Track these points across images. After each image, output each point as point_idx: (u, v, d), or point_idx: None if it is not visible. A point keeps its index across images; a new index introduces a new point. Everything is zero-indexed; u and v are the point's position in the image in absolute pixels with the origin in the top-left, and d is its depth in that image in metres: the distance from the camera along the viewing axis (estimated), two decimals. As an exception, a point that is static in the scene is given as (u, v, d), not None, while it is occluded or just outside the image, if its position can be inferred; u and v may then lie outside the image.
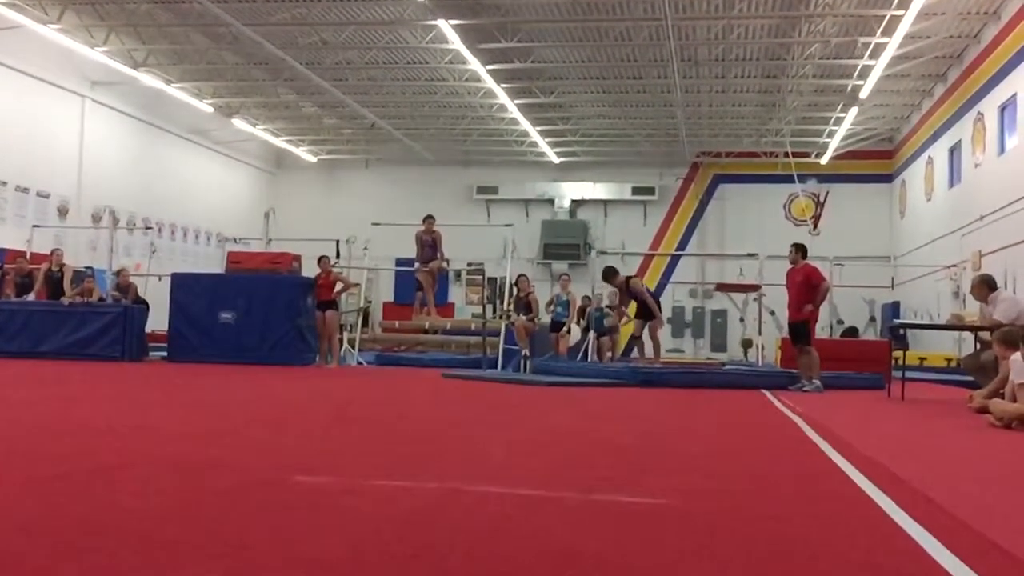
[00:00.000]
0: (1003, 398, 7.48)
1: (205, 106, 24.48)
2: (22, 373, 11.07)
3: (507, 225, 19.38)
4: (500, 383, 11.95)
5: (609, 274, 14.67)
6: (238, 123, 26.23)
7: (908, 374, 11.08)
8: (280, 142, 29.33)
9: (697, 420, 7.89)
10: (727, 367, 16.69)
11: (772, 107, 24.60)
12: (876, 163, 28.05)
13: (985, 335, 9.69)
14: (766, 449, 5.62)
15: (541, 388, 11.11)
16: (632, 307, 15.92)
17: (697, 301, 29.27)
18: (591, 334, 16.80)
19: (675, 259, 28.78)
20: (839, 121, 24.69)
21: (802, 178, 27.31)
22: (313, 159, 30.98)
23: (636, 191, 29.51)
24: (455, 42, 18.70)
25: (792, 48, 19.89)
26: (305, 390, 9.97)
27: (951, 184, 21.79)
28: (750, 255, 18.91)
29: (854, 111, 23.18)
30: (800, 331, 11.72)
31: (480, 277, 23.16)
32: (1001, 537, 2.83)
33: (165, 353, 15.38)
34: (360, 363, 16.25)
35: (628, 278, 15.19)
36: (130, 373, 11.92)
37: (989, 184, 18.48)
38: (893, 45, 17.90)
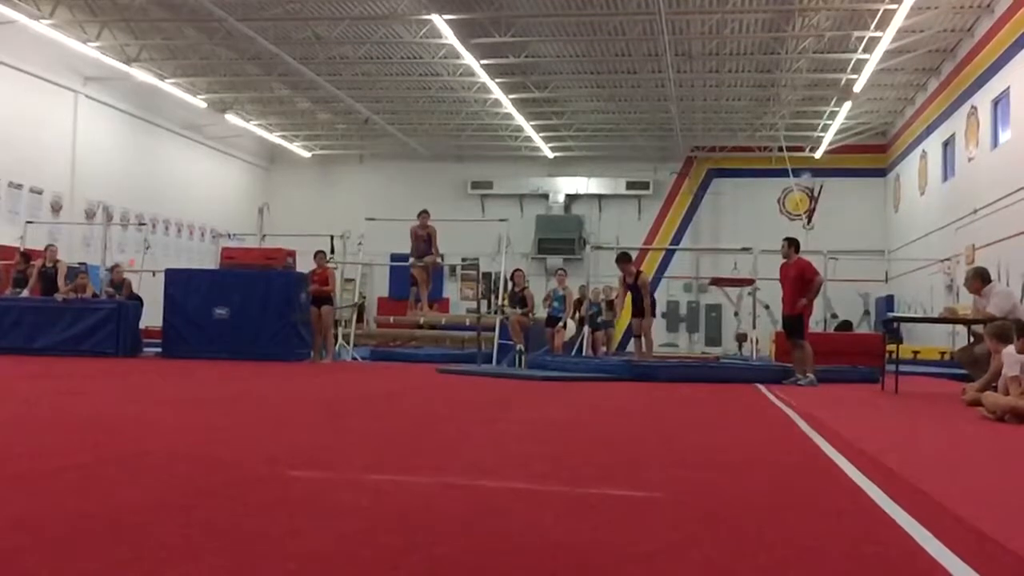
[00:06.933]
0: (996, 391, 7.51)
1: (198, 101, 24.44)
2: (16, 369, 11.05)
3: (502, 220, 19.37)
4: (495, 378, 11.96)
5: (624, 258, 14.50)
6: (231, 118, 26.18)
7: (902, 367, 11.10)
8: (274, 137, 29.30)
9: (690, 414, 7.90)
10: (721, 361, 16.71)
11: (766, 101, 24.63)
12: (870, 157, 28.12)
13: (978, 328, 9.71)
14: (759, 443, 5.63)
15: (536, 383, 11.11)
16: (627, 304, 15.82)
17: (692, 295, 29.32)
18: (586, 328, 16.81)
19: (670, 253, 28.82)
20: (833, 115, 24.74)
21: (796, 172, 27.35)
22: (307, 154, 30.95)
23: (630, 185, 29.55)
24: (449, 37, 18.70)
25: (786, 42, 19.91)
26: (299, 385, 9.97)
27: (945, 178, 21.84)
28: (744, 249, 18.91)
29: (848, 105, 23.21)
30: (794, 325, 11.73)
31: (475, 272, 23.14)
32: (993, 528, 2.84)
33: (159, 349, 15.36)
34: (355, 358, 16.24)
35: (639, 270, 15.07)
36: (124, 369, 11.90)
37: (983, 178, 18.53)
38: (887, 39, 17.93)
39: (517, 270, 16.86)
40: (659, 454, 4.91)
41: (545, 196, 30.18)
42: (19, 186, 20.31)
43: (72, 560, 2.25)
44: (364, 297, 23.66)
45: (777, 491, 3.70)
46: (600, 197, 30.08)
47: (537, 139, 27.69)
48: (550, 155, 29.34)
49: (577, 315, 17.63)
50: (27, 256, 16.39)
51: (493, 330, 15.92)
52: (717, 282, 20.25)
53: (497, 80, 22.05)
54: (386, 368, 14.42)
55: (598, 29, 19.54)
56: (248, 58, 21.95)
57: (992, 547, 2.65)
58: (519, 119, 25.44)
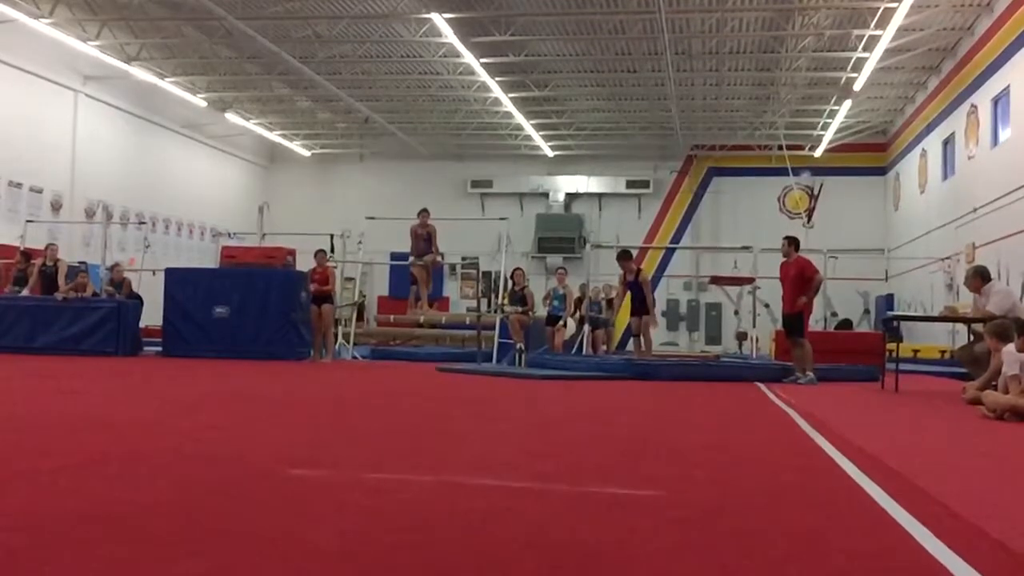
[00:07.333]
0: (996, 389, 7.51)
1: (198, 100, 24.44)
2: (16, 368, 11.04)
3: (502, 219, 19.38)
4: (495, 377, 11.96)
5: (625, 256, 14.48)
6: (231, 117, 26.18)
7: (902, 366, 11.11)
8: (274, 136, 29.30)
9: (691, 412, 7.90)
10: (721, 360, 16.70)
11: (766, 100, 24.62)
12: (870, 156, 28.11)
13: (978, 327, 9.71)
14: (759, 441, 5.64)
15: (536, 381, 11.11)
16: (626, 302, 15.81)
17: (692, 294, 29.32)
18: (586, 327, 16.80)
19: (670, 252, 28.82)
20: (833, 114, 24.73)
21: (796, 171, 27.34)
22: (307, 153, 30.95)
23: (630, 184, 29.54)
24: (448, 36, 18.69)
25: (786, 41, 19.91)
26: (299, 384, 9.97)
27: (945, 176, 21.84)
28: (744, 248, 18.93)
29: (848, 104, 23.20)
30: (794, 324, 11.74)
31: (475, 271, 23.14)
32: (992, 527, 2.84)
33: (159, 348, 15.36)
34: (355, 357, 16.24)
35: (640, 268, 15.09)
36: (124, 368, 11.90)
37: (983, 176, 18.53)
38: (887, 37, 17.92)
39: (517, 269, 16.84)
40: (660, 453, 4.91)
41: (545, 195, 30.18)
42: (19, 185, 20.30)
43: (72, 560, 2.25)
44: (364, 296, 23.65)
45: (777, 489, 3.70)
46: (600, 196, 30.08)
47: (537, 138, 27.69)
48: (550, 154, 29.33)
49: (577, 314, 17.62)
50: (27, 255, 16.40)
51: (493, 329, 15.92)
52: (717, 281, 20.24)
53: (497, 79, 22.05)
54: (386, 367, 14.42)
55: (598, 28, 19.53)
56: (248, 57, 21.94)
57: (992, 545, 2.65)
58: (519, 118, 25.44)
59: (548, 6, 18.19)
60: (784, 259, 11.99)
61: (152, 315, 16.89)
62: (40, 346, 14.69)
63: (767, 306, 18.35)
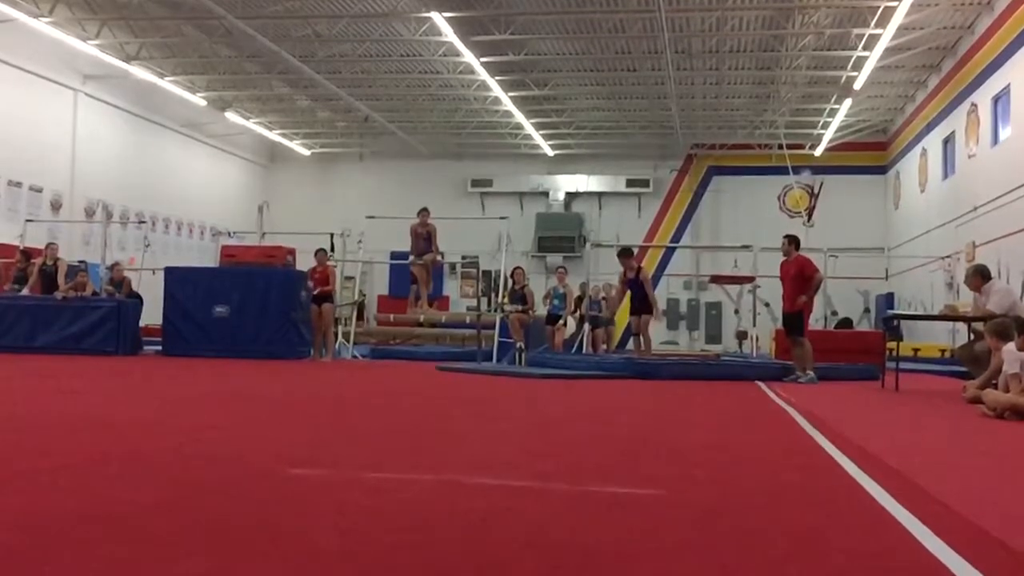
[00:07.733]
0: (996, 388, 7.51)
1: (198, 99, 24.43)
2: (16, 368, 11.04)
3: (502, 218, 19.38)
4: (495, 376, 11.96)
5: (626, 253, 14.50)
6: (231, 116, 26.17)
7: (902, 365, 11.12)
8: (274, 135, 29.29)
9: (691, 412, 7.90)
10: (722, 359, 16.69)
11: (766, 99, 24.62)
12: (870, 154, 28.10)
13: (978, 326, 9.71)
14: (760, 440, 5.63)
15: (536, 380, 11.12)
16: (626, 302, 15.79)
17: (692, 293, 29.31)
18: (586, 326, 16.81)
19: (670, 251, 28.80)
20: (833, 112, 24.73)
21: (796, 170, 27.33)
22: (307, 152, 30.94)
23: (630, 183, 29.53)
24: (448, 35, 18.69)
25: (786, 39, 19.91)
26: (299, 384, 9.97)
27: (945, 175, 21.84)
28: (744, 247, 18.93)
29: (848, 102, 23.20)
30: (794, 322, 11.74)
31: (475, 270, 23.16)
32: (991, 525, 2.84)
33: (159, 347, 15.36)
34: (355, 356, 16.24)
35: (640, 266, 15.10)
36: (124, 367, 11.90)
37: (983, 175, 18.52)
38: (887, 36, 17.92)
39: (517, 268, 16.84)
40: (660, 451, 4.90)
41: (545, 194, 30.18)
42: (19, 184, 20.30)
43: (72, 560, 2.25)
44: (364, 295, 23.66)
45: (777, 488, 3.70)
46: (600, 195, 30.07)
47: (537, 137, 27.68)
48: (550, 153, 29.33)
49: (577, 313, 17.62)
50: (27, 254, 16.40)
51: (493, 328, 15.92)
52: (717, 280, 20.23)
53: (497, 78, 22.04)
54: (386, 366, 14.42)
55: (598, 27, 19.52)
56: (248, 56, 21.93)
57: (992, 544, 2.65)
58: (519, 117, 25.43)
59: (548, 5, 18.18)
60: (784, 258, 11.99)
61: (152, 314, 16.89)
62: (40, 345, 14.70)
63: (767, 305, 18.35)
